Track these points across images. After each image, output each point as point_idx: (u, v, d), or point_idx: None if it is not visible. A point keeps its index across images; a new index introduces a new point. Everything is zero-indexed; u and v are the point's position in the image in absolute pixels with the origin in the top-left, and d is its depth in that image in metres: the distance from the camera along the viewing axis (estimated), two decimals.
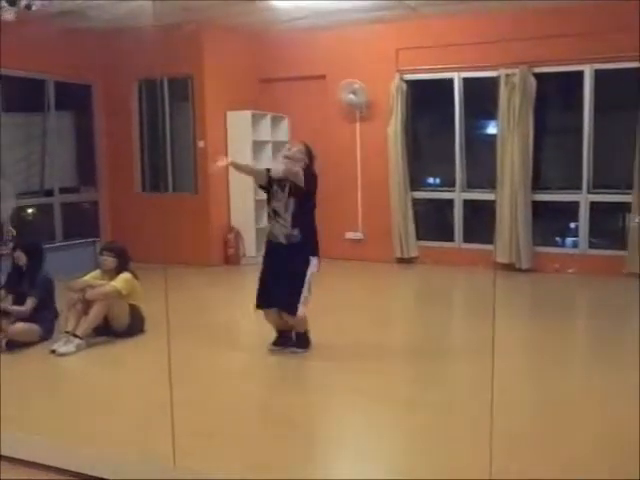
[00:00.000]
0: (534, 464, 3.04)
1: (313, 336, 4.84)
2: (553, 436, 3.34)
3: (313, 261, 4.58)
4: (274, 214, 4.61)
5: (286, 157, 4.57)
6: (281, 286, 4.57)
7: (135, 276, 5.26)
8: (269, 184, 4.66)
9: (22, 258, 5.11)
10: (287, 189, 4.54)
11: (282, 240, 4.57)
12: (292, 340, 4.82)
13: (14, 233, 7.25)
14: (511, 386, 3.95)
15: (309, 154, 4.64)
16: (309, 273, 4.54)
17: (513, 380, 4.10)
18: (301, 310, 4.58)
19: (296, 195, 4.53)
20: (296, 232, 4.54)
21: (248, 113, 8.31)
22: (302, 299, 4.54)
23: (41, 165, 8.16)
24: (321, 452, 3.33)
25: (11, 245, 6.51)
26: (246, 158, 8.31)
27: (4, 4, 4.57)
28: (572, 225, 7.90)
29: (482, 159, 8.22)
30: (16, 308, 4.98)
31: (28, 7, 4.76)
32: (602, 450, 3.21)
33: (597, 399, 3.88)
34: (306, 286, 4.54)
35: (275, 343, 4.82)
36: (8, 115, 7.54)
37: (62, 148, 8.36)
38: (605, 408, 3.73)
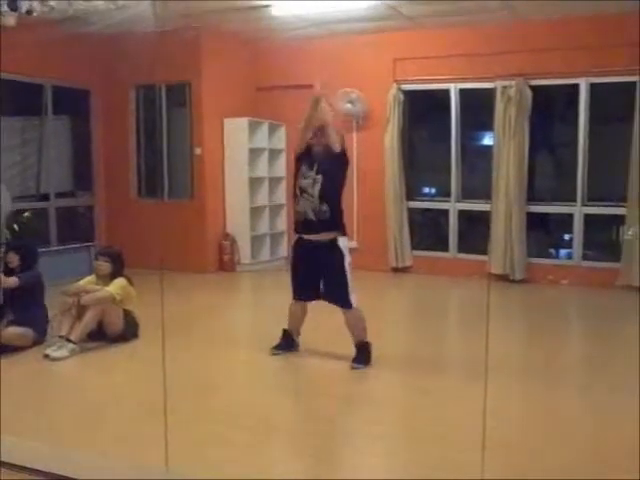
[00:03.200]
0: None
1: (306, 340, 4.86)
2: (546, 450, 3.35)
3: (344, 242, 4.51)
4: (300, 192, 4.53)
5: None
6: (320, 278, 4.54)
7: (130, 282, 5.25)
8: (298, 159, 4.63)
9: (14, 260, 5.05)
10: (316, 166, 4.50)
11: (311, 216, 4.48)
12: (295, 343, 4.84)
13: (8, 236, 7.25)
14: (503, 398, 3.96)
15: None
16: (347, 261, 4.47)
17: (505, 393, 4.11)
18: (354, 300, 4.50)
19: (325, 172, 4.49)
20: (325, 207, 4.46)
21: (245, 120, 8.34)
22: (350, 288, 4.47)
23: (37, 169, 8.16)
24: (316, 455, 3.33)
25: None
26: (242, 165, 8.36)
27: (5, 9, 4.59)
28: (566, 237, 7.95)
29: (478, 170, 8.27)
30: (4, 278, 4.89)
31: (29, 12, 4.78)
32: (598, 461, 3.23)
33: (592, 412, 3.89)
34: (348, 274, 4.47)
35: (278, 347, 4.83)
36: (5, 119, 7.54)
37: (59, 152, 8.36)
38: (600, 421, 3.74)
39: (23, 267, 5.07)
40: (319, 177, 4.49)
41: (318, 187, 4.47)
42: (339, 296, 4.50)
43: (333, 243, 4.49)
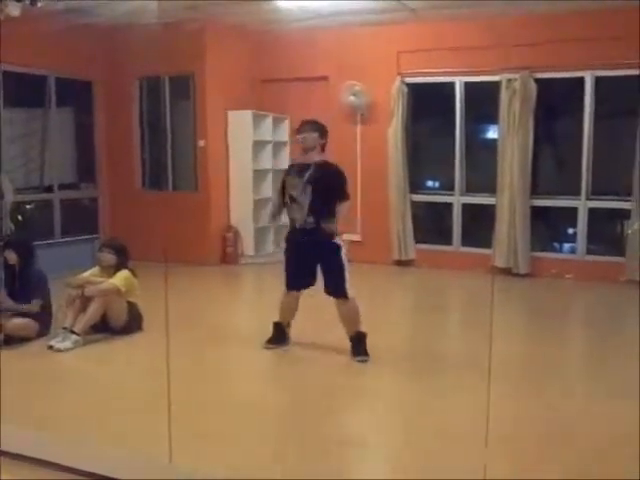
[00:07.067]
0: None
1: (305, 335, 4.86)
2: (549, 450, 3.35)
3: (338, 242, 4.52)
4: (291, 200, 4.56)
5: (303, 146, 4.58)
6: (315, 265, 4.56)
7: (134, 274, 5.26)
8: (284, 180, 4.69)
9: (13, 257, 5.08)
10: (306, 177, 4.49)
11: (297, 225, 4.56)
12: (288, 338, 4.83)
13: (12, 228, 7.26)
14: (507, 396, 3.96)
15: (324, 134, 4.61)
16: (343, 252, 4.48)
17: (509, 389, 4.10)
18: (351, 292, 4.49)
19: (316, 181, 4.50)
20: (311, 219, 4.48)
21: (249, 113, 8.32)
22: (347, 280, 4.47)
23: (41, 161, 8.16)
24: (318, 451, 3.34)
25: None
26: (246, 158, 8.35)
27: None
28: (570, 231, 7.93)
29: (482, 163, 8.24)
30: (25, 307, 4.95)
31: (33, 3, 4.77)
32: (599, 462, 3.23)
33: (594, 408, 3.89)
34: (345, 267, 4.47)
35: (270, 341, 4.82)
36: (9, 110, 7.53)
37: (62, 144, 8.36)
38: (602, 418, 3.74)
39: (21, 264, 5.09)
40: (309, 186, 4.48)
41: (308, 196, 4.48)
42: (336, 286, 4.49)
43: (328, 237, 4.49)
